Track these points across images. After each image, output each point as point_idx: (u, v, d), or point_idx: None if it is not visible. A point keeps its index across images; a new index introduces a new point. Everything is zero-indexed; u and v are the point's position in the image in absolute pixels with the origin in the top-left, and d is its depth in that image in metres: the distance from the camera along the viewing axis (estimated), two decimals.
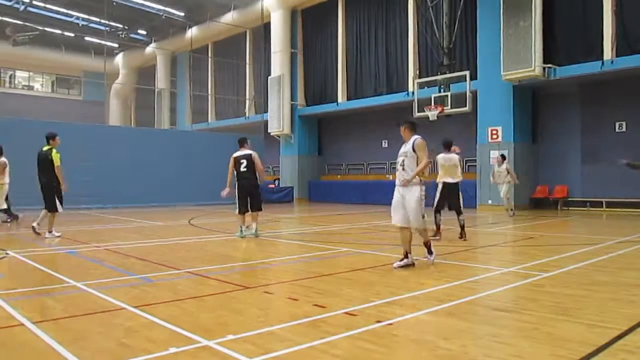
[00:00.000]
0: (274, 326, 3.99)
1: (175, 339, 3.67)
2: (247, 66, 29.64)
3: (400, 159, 6.73)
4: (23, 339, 3.73)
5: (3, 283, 5.73)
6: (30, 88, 40.25)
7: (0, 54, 32.70)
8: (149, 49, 35.13)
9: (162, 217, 15.24)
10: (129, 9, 28.68)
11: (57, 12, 30.03)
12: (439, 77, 18.62)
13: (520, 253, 8.48)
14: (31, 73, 39.85)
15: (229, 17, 28.68)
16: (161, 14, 29.43)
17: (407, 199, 6.61)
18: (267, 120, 25.86)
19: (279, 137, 25.87)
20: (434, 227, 9.46)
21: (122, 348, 3.51)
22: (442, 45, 18.80)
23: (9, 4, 27.63)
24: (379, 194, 22.08)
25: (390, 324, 3.99)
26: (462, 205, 9.73)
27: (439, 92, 18.53)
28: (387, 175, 23.52)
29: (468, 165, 20.60)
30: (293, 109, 25.67)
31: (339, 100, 24.03)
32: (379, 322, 4.05)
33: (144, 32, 34.41)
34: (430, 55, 20.66)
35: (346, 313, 4.35)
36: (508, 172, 15.23)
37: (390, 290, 5.24)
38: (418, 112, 18.98)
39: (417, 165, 6.54)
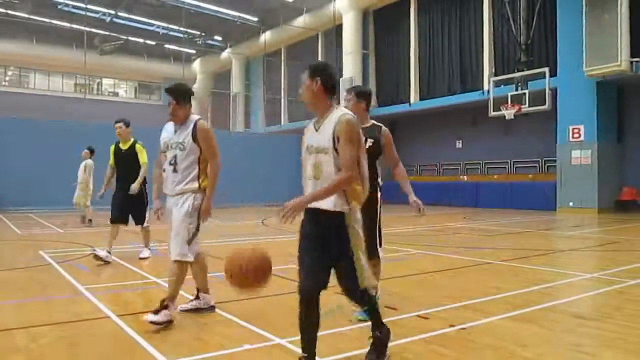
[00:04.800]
0: (345, 327, 4.01)
1: (248, 336, 3.76)
2: None
3: (171, 154, 4.30)
4: (109, 330, 3.95)
5: (90, 278, 6.09)
6: (115, 94, 42.58)
7: (89, 63, 34.71)
8: (225, 54, 36.20)
9: (235, 217, 15.65)
10: (206, 16, 29.69)
11: (140, 22, 31.58)
12: (516, 75, 17.97)
13: (603, 258, 8.03)
14: (116, 80, 42.14)
15: (301, 21, 29.06)
16: (236, 19, 30.25)
17: (174, 215, 4.28)
18: None
19: None
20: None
21: (198, 342, 3.64)
22: (519, 41, 18.13)
23: (96, 16, 29.36)
24: (453, 195, 21.64)
25: (464, 329, 3.90)
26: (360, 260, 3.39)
27: (516, 90, 17.89)
28: (462, 177, 22.98)
29: (547, 166, 19.77)
30: None
31: (412, 100, 23.73)
32: (452, 326, 3.97)
33: (219, 38, 35.51)
34: (507, 52, 19.99)
35: (418, 316, 4.29)
36: (86, 171, 12.86)
37: (463, 293, 5.12)
38: (494, 111, 18.42)
39: (199, 164, 4.31)
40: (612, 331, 3.88)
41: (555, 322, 4.22)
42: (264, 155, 22.68)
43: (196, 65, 38.98)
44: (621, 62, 15.29)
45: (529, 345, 3.53)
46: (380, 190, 4.47)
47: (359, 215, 3.15)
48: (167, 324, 3.97)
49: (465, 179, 22.74)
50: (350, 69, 25.36)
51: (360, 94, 4.55)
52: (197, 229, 4.29)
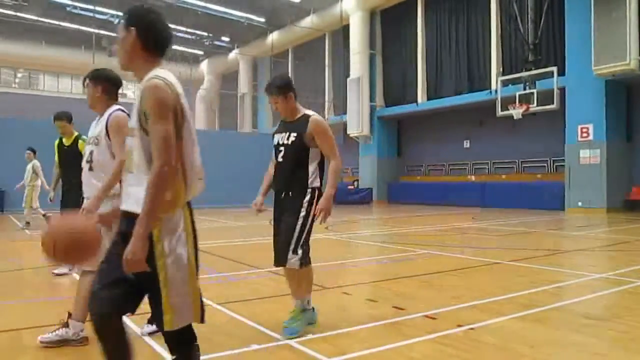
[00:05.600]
0: (353, 327, 4.01)
1: (256, 336, 3.77)
2: (326, 68, 29.91)
3: (88, 151, 3.78)
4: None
5: None
6: (124, 96, 42.82)
7: (97, 64, 34.99)
8: (232, 55, 36.31)
9: (245, 218, 15.68)
10: (213, 17, 29.79)
11: None
12: (523, 74, 17.90)
13: (612, 258, 7.97)
14: (124, 81, 42.39)
15: (309, 21, 29.09)
16: (243, 20, 30.32)
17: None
18: (346, 122, 25.98)
19: (358, 138, 25.90)
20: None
21: (206, 343, 3.63)
22: (527, 40, 18.08)
23: (104, 17, 29.53)
24: (460, 195, 21.59)
25: (472, 329, 3.89)
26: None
27: (524, 89, 17.83)
28: (470, 177, 22.92)
29: (556, 166, 19.67)
30: (372, 110, 25.61)
31: (419, 100, 23.70)
32: (459, 326, 3.96)
33: (227, 39, 35.61)
34: (514, 52, 19.92)
35: (426, 316, 4.28)
36: (35, 172, 12.29)
37: (471, 294, 5.10)
38: (501, 110, 18.37)
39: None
40: (622, 331, 3.86)
41: (564, 322, 4.20)
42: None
43: (204, 66, 39.13)
44: (630, 60, 15.20)
45: (537, 346, 3.51)
46: (313, 195, 3.86)
47: (176, 224, 2.24)
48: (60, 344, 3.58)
49: (473, 178, 22.69)
50: (357, 69, 25.35)
51: (279, 89, 3.94)
52: None
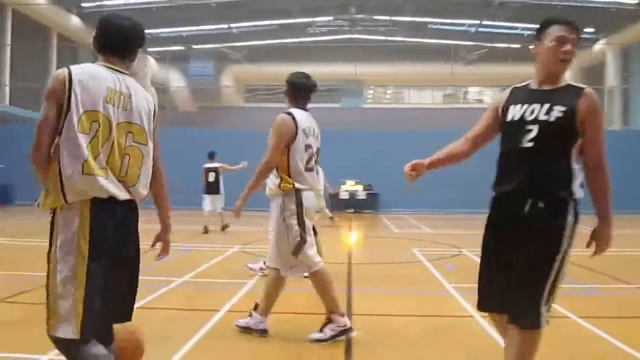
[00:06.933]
0: None
1: (619, 356, 3.39)
2: None
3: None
4: (472, 329, 4.11)
5: (456, 277, 6.41)
6: (480, 101, 43.67)
7: (455, 74, 36.87)
8: (597, 46, 33.12)
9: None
10: (575, 8, 27.75)
11: (504, 27, 31.69)
12: None
13: None
14: (482, 87, 43.22)
15: None
16: (611, 7, 27.34)
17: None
18: None
19: None
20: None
21: (560, 356, 3.46)
22: None
23: (462, 29, 30.82)
24: None
25: None
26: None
27: None
28: None
29: None
30: None
31: None
32: None
33: (591, 30, 32.67)
34: None
35: None
36: None
37: None
38: None
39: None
40: None
41: None
42: None
43: None
44: None
45: None
46: (576, 214, 2.45)
47: (69, 224, 2.16)
48: (335, 338, 3.70)
49: None
50: None
51: (581, 31, 2.66)
52: None
